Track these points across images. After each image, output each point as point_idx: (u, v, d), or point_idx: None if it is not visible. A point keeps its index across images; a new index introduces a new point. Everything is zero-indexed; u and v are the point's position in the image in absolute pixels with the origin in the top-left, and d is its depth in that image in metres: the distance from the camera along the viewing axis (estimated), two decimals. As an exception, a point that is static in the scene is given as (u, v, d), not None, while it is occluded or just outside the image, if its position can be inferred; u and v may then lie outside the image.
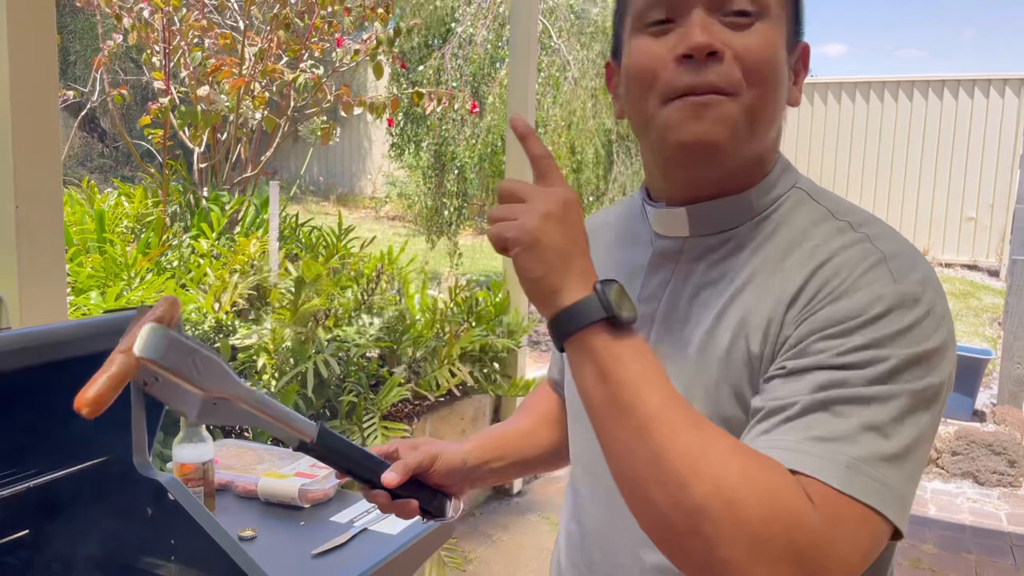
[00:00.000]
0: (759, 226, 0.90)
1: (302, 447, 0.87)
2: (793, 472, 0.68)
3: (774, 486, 0.65)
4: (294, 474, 1.54)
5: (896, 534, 0.70)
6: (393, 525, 1.42)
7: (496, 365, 3.28)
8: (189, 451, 1.39)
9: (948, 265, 10.39)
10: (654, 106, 0.85)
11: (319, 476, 1.53)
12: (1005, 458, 3.99)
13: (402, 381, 2.61)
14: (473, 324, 3.27)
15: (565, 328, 0.73)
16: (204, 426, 1.43)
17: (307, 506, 1.50)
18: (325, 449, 0.88)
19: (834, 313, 0.77)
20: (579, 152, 6.99)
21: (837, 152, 10.49)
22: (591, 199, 7.25)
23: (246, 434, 2.24)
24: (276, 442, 2.16)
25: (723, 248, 0.90)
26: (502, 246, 0.74)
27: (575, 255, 0.75)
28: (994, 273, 9.80)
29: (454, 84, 6.91)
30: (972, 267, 10.33)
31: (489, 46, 7.05)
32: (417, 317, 3.03)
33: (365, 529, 1.41)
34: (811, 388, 0.73)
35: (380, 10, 3.57)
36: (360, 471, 0.93)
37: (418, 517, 1.00)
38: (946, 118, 10.20)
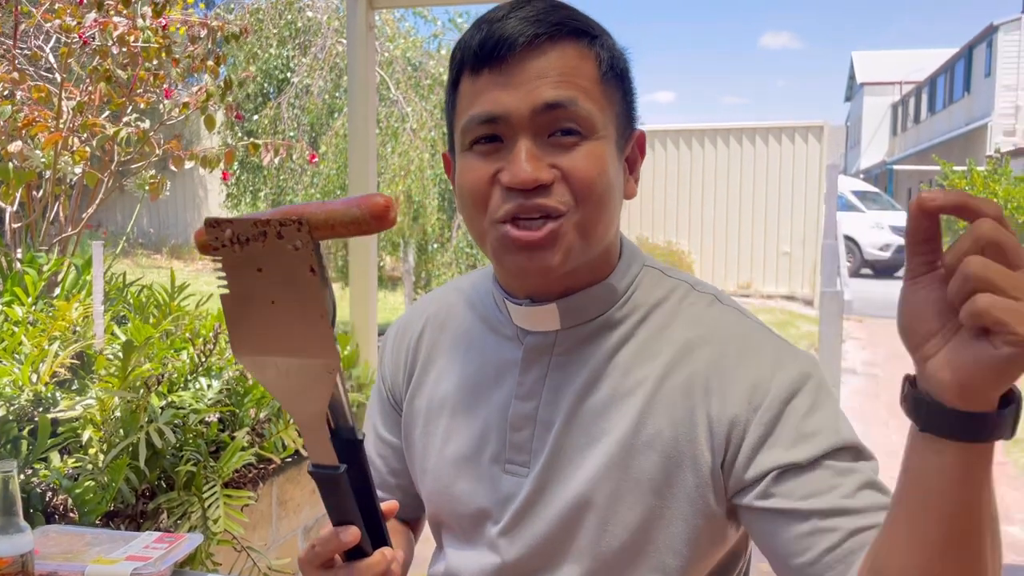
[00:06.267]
0: (625, 308, 0.94)
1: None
2: None
3: None
4: (125, 558, 1.45)
5: None
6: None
7: (344, 420, 3.22)
8: (4, 544, 1.28)
9: (769, 296, 11.21)
10: (487, 225, 0.89)
11: (153, 558, 1.45)
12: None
13: (245, 445, 2.51)
14: (319, 380, 3.19)
15: (1008, 426, 0.61)
16: (22, 515, 1.33)
17: (141, 591, 1.41)
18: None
19: (780, 393, 0.86)
20: (416, 199, 7.05)
21: (666, 196, 11.14)
22: (436, 246, 7.31)
23: (71, 514, 2.08)
24: (106, 524, 2.01)
25: (598, 337, 0.94)
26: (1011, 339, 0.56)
27: None
28: (809, 303, 10.67)
29: (291, 134, 6.82)
30: (790, 298, 11.20)
31: (326, 96, 7.02)
32: (259, 376, 2.94)
33: (206, 609, 1.35)
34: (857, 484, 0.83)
35: (210, 62, 3.48)
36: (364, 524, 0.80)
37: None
38: (759, 162, 11.09)
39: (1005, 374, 0.57)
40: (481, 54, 0.86)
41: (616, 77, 0.90)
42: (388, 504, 0.91)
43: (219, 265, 0.66)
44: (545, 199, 0.84)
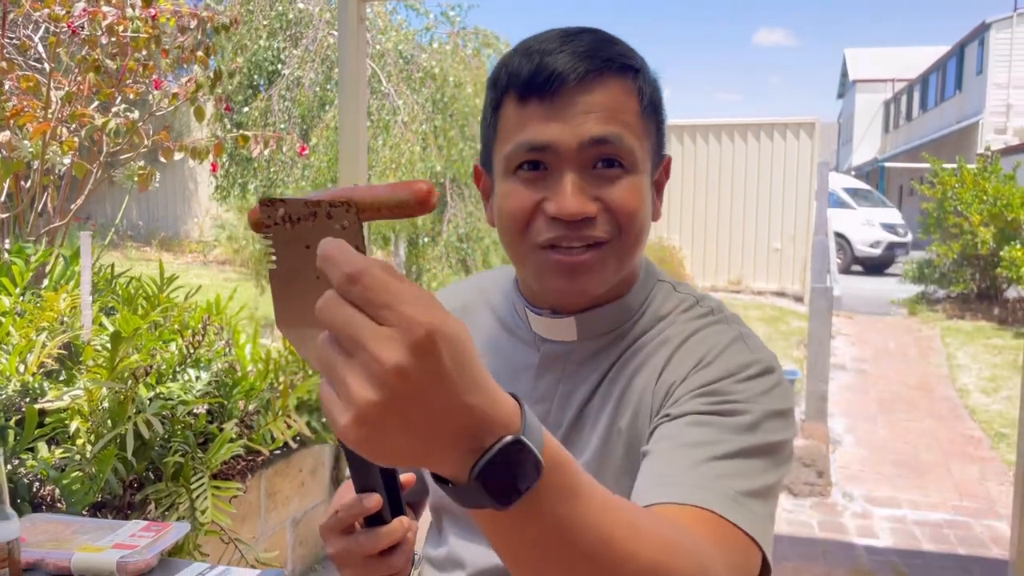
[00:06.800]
0: (638, 323, 0.99)
1: None
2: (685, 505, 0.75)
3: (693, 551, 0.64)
4: (112, 546, 1.44)
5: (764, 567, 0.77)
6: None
7: (334, 413, 3.21)
8: (-9, 531, 1.27)
9: (759, 293, 11.23)
10: (527, 248, 0.93)
11: (140, 546, 1.44)
12: (814, 469, 4.34)
13: (233, 437, 2.51)
14: (310, 373, 3.19)
15: (467, 498, 0.52)
16: (8, 502, 1.32)
17: (128, 580, 1.41)
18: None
19: (706, 376, 0.88)
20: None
21: (657, 190, 11.13)
22: (426, 239, 7.29)
23: (59, 504, 2.07)
24: (94, 514, 2.00)
25: (609, 350, 0.99)
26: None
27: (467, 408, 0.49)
28: (799, 299, 10.69)
29: (281, 126, 6.78)
30: (780, 294, 11.22)
31: (317, 88, 6.99)
32: (249, 368, 2.93)
33: (193, 599, 1.34)
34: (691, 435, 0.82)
35: (199, 53, 3.47)
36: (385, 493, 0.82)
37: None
38: (751, 158, 11.09)
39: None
40: (531, 85, 0.89)
41: (653, 110, 0.94)
42: (406, 476, 0.94)
43: (269, 242, 0.71)
44: (589, 231, 0.89)
